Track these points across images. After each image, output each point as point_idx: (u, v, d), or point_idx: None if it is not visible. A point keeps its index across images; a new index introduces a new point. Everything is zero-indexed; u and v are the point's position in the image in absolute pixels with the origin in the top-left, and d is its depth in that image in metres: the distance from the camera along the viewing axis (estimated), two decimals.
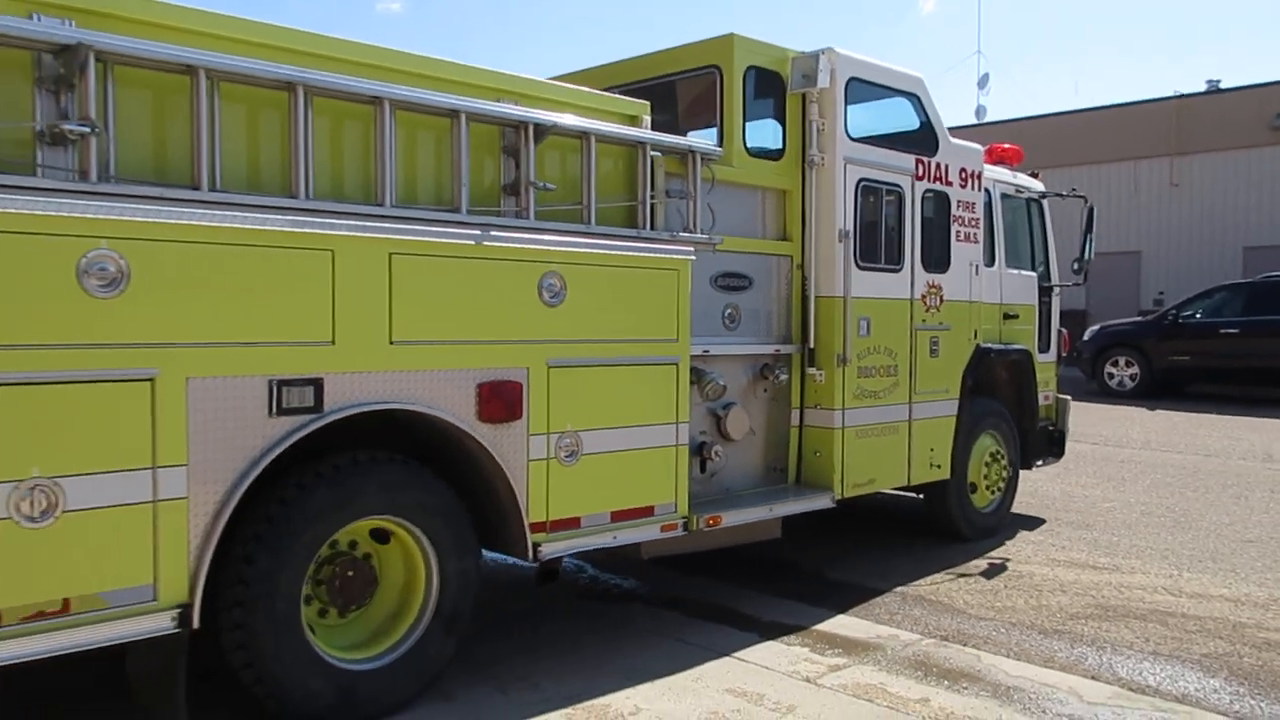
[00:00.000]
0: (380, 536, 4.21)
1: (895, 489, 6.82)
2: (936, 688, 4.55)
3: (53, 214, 3.16)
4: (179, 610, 3.45)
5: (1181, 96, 22.82)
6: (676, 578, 6.31)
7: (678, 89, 6.25)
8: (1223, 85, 23.39)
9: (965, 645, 5.15)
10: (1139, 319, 17.63)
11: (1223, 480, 9.80)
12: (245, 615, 3.63)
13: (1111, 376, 16.97)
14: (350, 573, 4.06)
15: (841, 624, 5.49)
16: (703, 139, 5.77)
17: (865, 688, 4.54)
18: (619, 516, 4.82)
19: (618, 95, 5.30)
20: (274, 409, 3.67)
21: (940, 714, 4.24)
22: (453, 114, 4.25)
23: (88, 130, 3.27)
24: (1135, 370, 16.70)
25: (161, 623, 3.41)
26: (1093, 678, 4.72)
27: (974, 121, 24.59)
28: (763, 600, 5.89)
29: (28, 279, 3.12)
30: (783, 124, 6.09)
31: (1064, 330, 8.73)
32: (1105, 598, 6.02)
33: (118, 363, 3.29)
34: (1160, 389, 16.59)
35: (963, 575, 6.54)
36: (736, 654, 4.96)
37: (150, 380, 3.36)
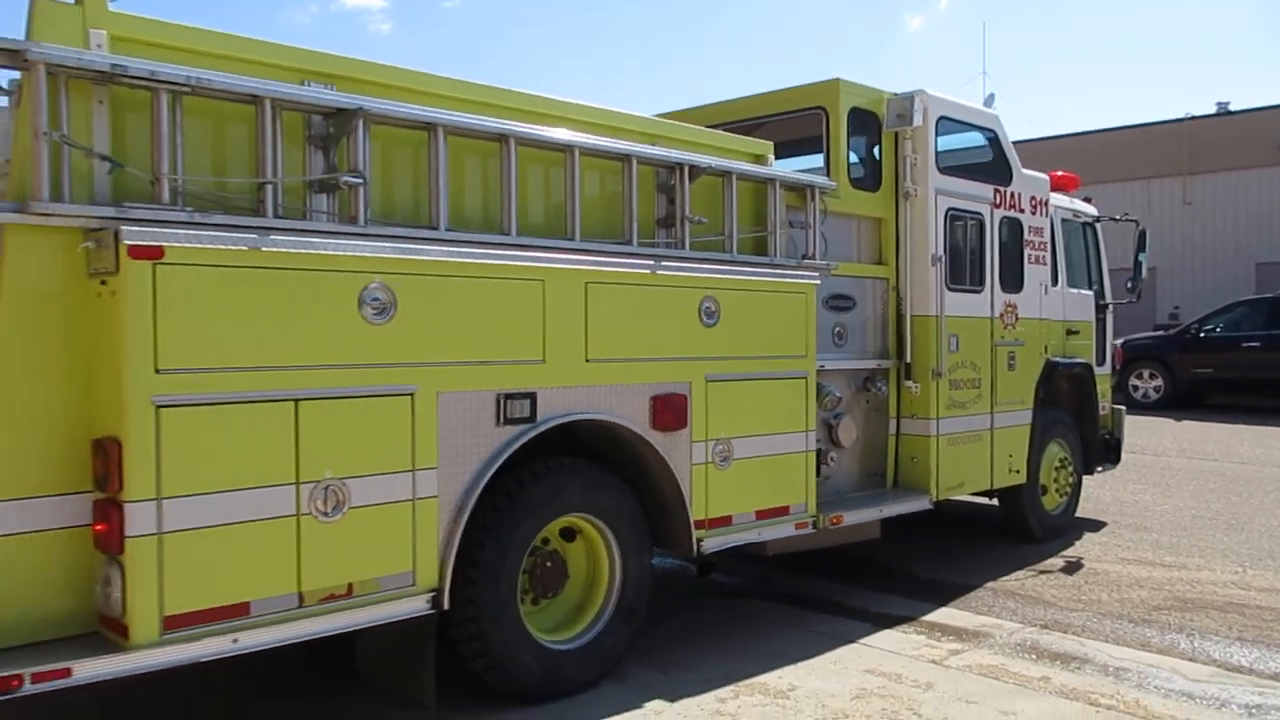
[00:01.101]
0: (567, 535, 4.73)
1: (975, 494, 7.36)
2: (1052, 668, 5.08)
3: (339, 253, 3.70)
4: (432, 594, 3.98)
5: (1193, 119, 23.59)
6: (779, 576, 6.83)
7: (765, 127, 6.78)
8: (1232, 108, 24.16)
9: (1065, 633, 5.68)
10: (1161, 333, 18.21)
11: (1263, 486, 10.34)
12: (475, 594, 4.14)
13: (1136, 388, 17.54)
14: (549, 564, 4.59)
15: (946, 615, 6.02)
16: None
17: (988, 668, 5.06)
18: (762, 515, 5.36)
19: (745, 137, 5.85)
20: (500, 419, 4.21)
21: (1064, 689, 4.76)
22: (625, 158, 4.81)
23: (359, 181, 3.82)
24: (1159, 382, 17.26)
25: (419, 605, 3.94)
26: (1190, 659, 5.25)
27: None
28: (865, 595, 6.41)
29: (321, 309, 3.66)
30: (878, 159, 6.66)
31: (1117, 345, 9.29)
32: (1180, 592, 6.55)
33: (387, 380, 3.83)
34: (1184, 401, 17.17)
35: (1043, 572, 7.06)
36: (861, 641, 5.49)
37: (411, 395, 3.90)
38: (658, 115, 6.13)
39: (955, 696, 4.63)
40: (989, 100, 7.86)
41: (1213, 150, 23.12)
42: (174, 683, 3.79)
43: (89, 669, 3.16)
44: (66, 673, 3.12)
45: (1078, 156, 23.39)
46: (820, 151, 6.50)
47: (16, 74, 3.30)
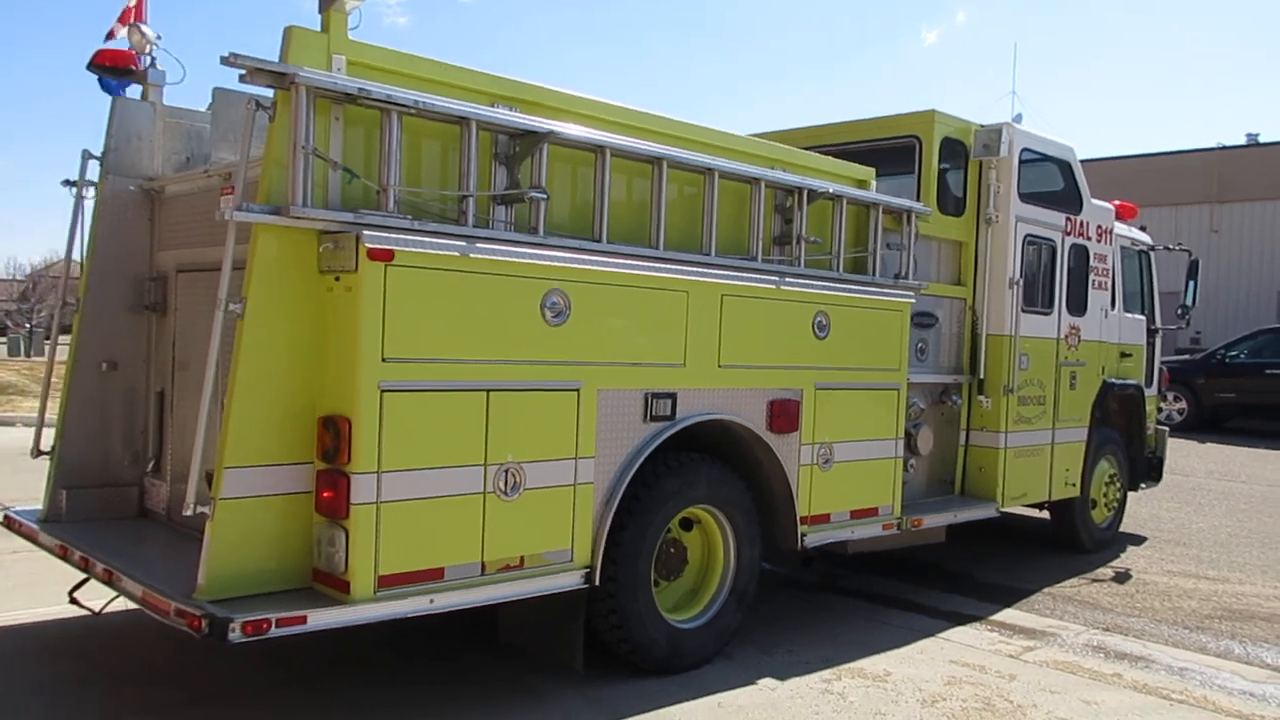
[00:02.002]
0: (685, 525, 5.16)
1: (1033, 505, 7.78)
2: (1121, 666, 5.51)
3: (528, 261, 4.13)
4: (586, 570, 4.41)
5: (1223, 148, 24.03)
6: (846, 574, 7.25)
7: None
8: (1261, 139, 24.57)
9: (1127, 636, 6.11)
10: (1187, 358, 18.61)
11: None
12: (617, 572, 4.57)
13: (1161, 410, 17.92)
14: (672, 550, 5.02)
15: (1012, 616, 6.45)
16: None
17: (1063, 664, 5.49)
18: (855, 515, 5.79)
19: (849, 162, 6.25)
20: (646, 416, 4.64)
21: (1136, 685, 5.19)
22: (754, 181, 5.24)
23: (544, 196, 4.25)
24: (1183, 405, 17.67)
25: (575, 579, 4.38)
26: (1246, 663, 5.68)
27: None
28: (933, 595, 6.85)
29: (511, 310, 4.09)
30: (963, 185, 7.09)
31: (1164, 369, 9.71)
32: (1227, 603, 6.97)
33: (559, 376, 4.27)
34: (1207, 424, 17.59)
35: (1095, 580, 7.49)
36: (940, 635, 5.92)
37: (577, 390, 4.33)
38: (753, 135, 6.57)
39: (1039, 687, 5.05)
40: (1017, 119, 8.17)
41: (1241, 180, 23.56)
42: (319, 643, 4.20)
43: (319, 618, 3.60)
44: (303, 619, 3.55)
45: (1105, 180, 23.82)
46: (896, 174, 6.92)
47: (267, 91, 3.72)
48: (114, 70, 5.11)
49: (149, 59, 5.08)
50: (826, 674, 5.12)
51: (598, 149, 4.51)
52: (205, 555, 3.57)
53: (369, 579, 3.70)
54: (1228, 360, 17.75)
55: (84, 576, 4.32)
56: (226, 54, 3.42)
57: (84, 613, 4.80)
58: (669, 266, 4.71)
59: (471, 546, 4.00)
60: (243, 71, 3.51)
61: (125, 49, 5.12)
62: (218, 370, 3.64)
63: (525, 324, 4.14)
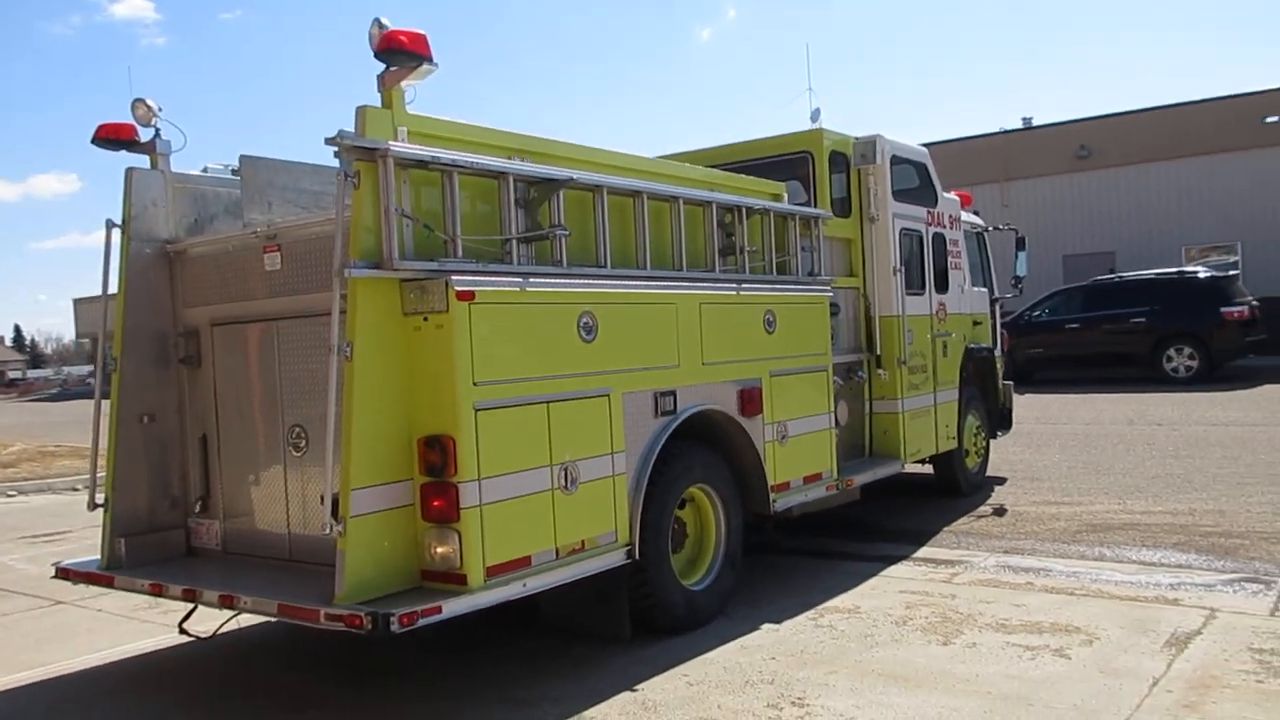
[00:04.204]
0: (679, 504, 6.00)
1: (921, 460, 9.08)
2: (1029, 576, 6.77)
3: (567, 289, 4.88)
4: (627, 548, 5.19)
5: (1006, 132, 27.13)
6: (782, 538, 8.27)
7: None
8: (1035, 122, 27.91)
9: (1023, 555, 7.42)
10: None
11: (1109, 440, 12.73)
12: (645, 548, 5.35)
13: None
14: (676, 526, 5.85)
15: (930, 552, 7.66)
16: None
17: (986, 581, 6.70)
18: (807, 480, 6.81)
19: (765, 180, 7.25)
20: (656, 413, 5.46)
21: (1047, 588, 6.44)
22: (706, 204, 6.15)
23: (567, 233, 5.00)
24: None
25: (619, 557, 5.15)
26: (1118, 562, 7.08)
27: None
28: (861, 544, 7.99)
29: (556, 332, 4.82)
30: (846, 189, 8.25)
31: (1004, 331, 11.34)
32: (1087, 520, 8.47)
33: (595, 384, 5.03)
34: (1020, 377, 19.95)
35: (980, 516, 8.86)
36: (882, 574, 7.02)
37: (608, 395, 5.11)
38: (661, 156, 7.52)
39: (976, 600, 6.22)
40: (815, 114, 9.31)
41: (1023, 160, 26.70)
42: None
43: (451, 607, 4.22)
44: (439, 609, 4.16)
45: None
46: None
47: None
48: (116, 143, 5.44)
49: (154, 130, 5.43)
50: (811, 614, 6.09)
51: (596, 188, 5.28)
52: (343, 567, 4.13)
53: (479, 570, 4.35)
54: (1033, 320, 20.19)
55: (191, 607, 4.72)
56: (332, 134, 4.00)
57: (185, 640, 5.19)
58: (660, 283, 5.55)
59: (547, 536, 4.71)
60: (337, 148, 4.09)
61: (125, 122, 5.45)
62: (337, 407, 4.19)
63: (568, 343, 4.88)
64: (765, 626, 5.85)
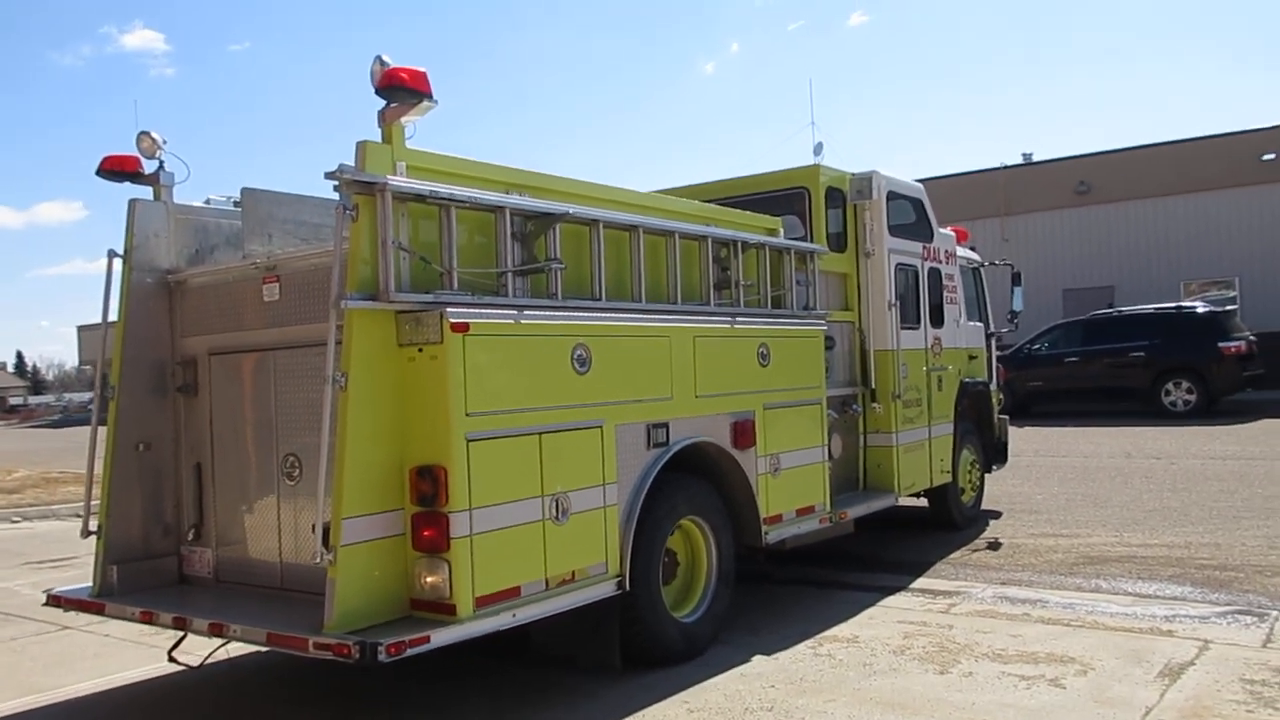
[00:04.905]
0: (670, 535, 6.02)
1: (914, 493, 9.09)
2: (1025, 608, 6.77)
3: (561, 322, 4.94)
4: (618, 579, 5.21)
5: (1006, 167, 27.36)
6: (775, 567, 8.27)
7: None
8: (1035, 158, 28.17)
9: (1020, 586, 7.42)
10: (999, 353, 21.07)
11: (1107, 473, 12.75)
12: (635, 580, 5.36)
13: None
14: (668, 557, 5.87)
15: (927, 582, 7.67)
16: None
17: (983, 612, 6.71)
18: (800, 513, 6.84)
19: (761, 214, 7.33)
20: (648, 444, 5.50)
21: (1043, 619, 6.45)
22: (702, 238, 6.23)
23: (562, 266, 5.06)
24: (1001, 395, 19.99)
25: (610, 588, 5.16)
26: (1113, 594, 7.08)
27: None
28: (858, 574, 8.00)
29: (549, 364, 4.88)
30: (842, 225, 8.34)
31: (1001, 365, 11.39)
32: (1084, 552, 8.47)
33: (588, 416, 5.07)
34: (1020, 410, 20.00)
35: (975, 550, 8.86)
36: (880, 604, 7.03)
37: (600, 427, 5.15)
38: (664, 190, 7.61)
39: (973, 630, 6.23)
40: (818, 149, 9.43)
41: (1023, 195, 26.94)
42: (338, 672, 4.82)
43: (439, 637, 4.23)
44: (427, 639, 4.18)
45: None
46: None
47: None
48: (120, 175, 5.53)
49: (158, 162, 5.53)
50: (810, 643, 6.11)
51: (592, 223, 5.36)
52: (332, 596, 4.15)
53: (469, 600, 4.38)
54: (1033, 353, 20.25)
55: (179, 635, 4.73)
56: (332, 169, 4.08)
57: (176, 669, 5.20)
58: (654, 317, 5.61)
59: (537, 566, 4.74)
60: (336, 182, 4.17)
61: (128, 154, 5.54)
62: (330, 436, 4.23)
63: (561, 375, 4.93)
64: (764, 655, 5.88)
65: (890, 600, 7.14)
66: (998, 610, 6.74)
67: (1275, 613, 6.38)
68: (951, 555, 8.61)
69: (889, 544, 9.15)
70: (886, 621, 6.55)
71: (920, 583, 7.67)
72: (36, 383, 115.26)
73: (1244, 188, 24.66)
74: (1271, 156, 24.49)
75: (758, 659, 5.78)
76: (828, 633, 6.31)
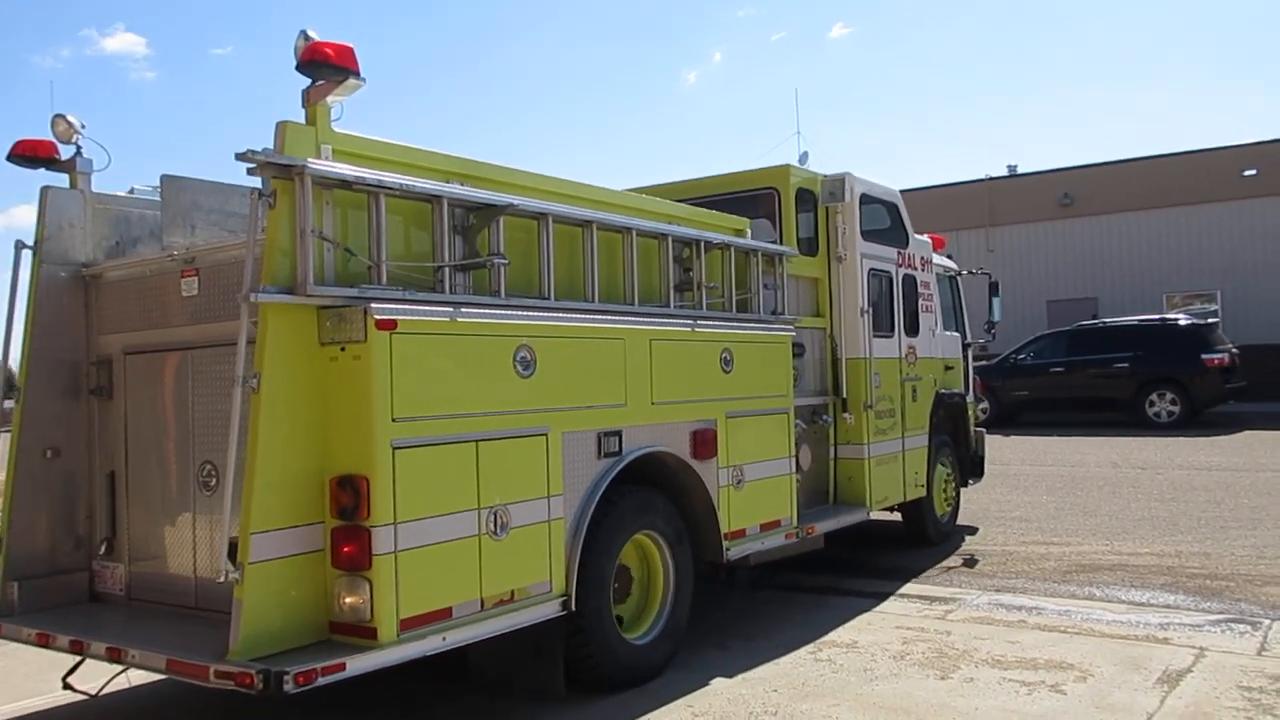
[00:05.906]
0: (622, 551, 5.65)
1: (887, 508, 8.75)
2: (1021, 614, 6.58)
3: (502, 321, 4.58)
4: (563, 599, 4.84)
5: (991, 179, 27.27)
6: (769, 576, 7.86)
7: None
8: (1020, 169, 28.09)
9: (1015, 593, 7.21)
10: (984, 363, 20.86)
11: (1095, 483, 12.52)
12: (583, 599, 4.97)
13: None
14: (620, 577, 5.50)
15: (922, 588, 7.47)
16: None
17: (980, 618, 6.49)
18: (764, 528, 6.48)
19: (727, 214, 7.01)
20: (599, 454, 5.14)
21: (1040, 626, 6.27)
22: (661, 236, 5.89)
23: (505, 261, 4.71)
24: (985, 405, 19.75)
25: (554, 608, 4.80)
26: (1107, 601, 6.88)
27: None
28: (851, 581, 7.79)
29: (489, 367, 4.52)
30: (814, 228, 8.02)
31: (977, 376, 11.09)
32: (1076, 560, 8.22)
33: (532, 423, 4.71)
34: (1006, 419, 19.80)
35: (972, 557, 8.58)
36: (876, 610, 6.83)
37: (545, 435, 4.79)
38: (633, 189, 7.28)
39: (971, 636, 6.06)
40: (803, 158, 9.14)
41: (1008, 205, 26.80)
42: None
43: (356, 664, 3.87)
44: (342, 666, 3.81)
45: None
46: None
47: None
48: (34, 160, 5.15)
49: (75, 147, 5.15)
50: (809, 648, 5.92)
51: (540, 216, 5.01)
52: (238, 618, 3.77)
53: (392, 623, 4.01)
54: (1019, 363, 20.04)
55: (76, 660, 4.34)
56: (242, 150, 3.72)
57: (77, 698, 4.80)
58: (607, 317, 5.26)
59: (472, 585, 4.37)
60: (252, 165, 3.81)
61: (44, 139, 5.17)
62: (239, 443, 3.86)
63: (502, 378, 4.57)
64: (765, 660, 5.70)
65: (885, 606, 6.98)
66: (994, 617, 6.57)
67: (1268, 621, 6.27)
68: (946, 562, 8.54)
69: (874, 553, 8.91)
70: (884, 627, 6.38)
71: (913, 588, 7.56)
72: None
73: (1226, 203, 24.58)
74: (1253, 172, 24.41)
75: (760, 664, 5.64)
76: (827, 638, 6.17)
